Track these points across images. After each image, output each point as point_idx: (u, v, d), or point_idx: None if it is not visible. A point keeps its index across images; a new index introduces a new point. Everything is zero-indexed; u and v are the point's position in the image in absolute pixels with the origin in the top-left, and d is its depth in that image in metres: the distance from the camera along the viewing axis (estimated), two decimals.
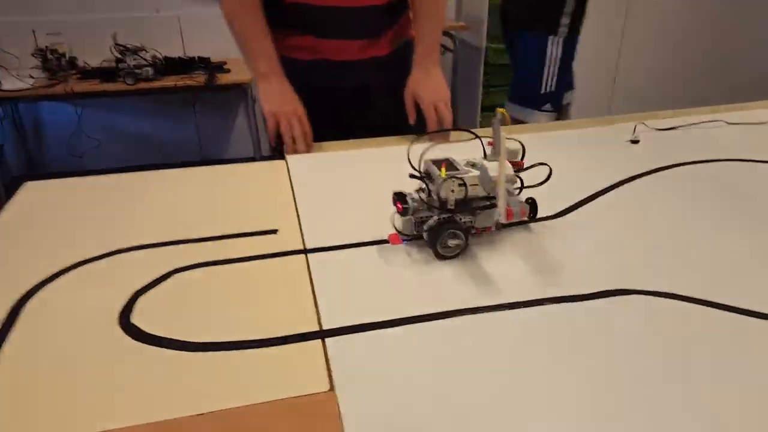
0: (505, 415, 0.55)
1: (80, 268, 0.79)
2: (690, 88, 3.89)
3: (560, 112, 1.97)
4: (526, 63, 1.93)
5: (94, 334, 0.67)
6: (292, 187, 1.04)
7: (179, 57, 2.93)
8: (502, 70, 3.19)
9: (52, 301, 0.73)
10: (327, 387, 0.58)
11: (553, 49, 1.86)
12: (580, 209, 0.94)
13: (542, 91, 1.90)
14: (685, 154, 1.16)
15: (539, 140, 1.23)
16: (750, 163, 1.12)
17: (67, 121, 3.18)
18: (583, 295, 0.72)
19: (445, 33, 3.06)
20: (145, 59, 2.77)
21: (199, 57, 2.95)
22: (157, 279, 0.76)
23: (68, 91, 2.67)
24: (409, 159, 0.80)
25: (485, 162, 0.77)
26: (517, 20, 1.97)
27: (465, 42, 3.29)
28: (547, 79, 1.88)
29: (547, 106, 1.91)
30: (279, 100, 1.23)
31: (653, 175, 1.07)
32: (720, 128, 1.31)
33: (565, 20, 1.83)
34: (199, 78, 2.81)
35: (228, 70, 2.92)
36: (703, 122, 1.33)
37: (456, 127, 1.23)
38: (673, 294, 0.72)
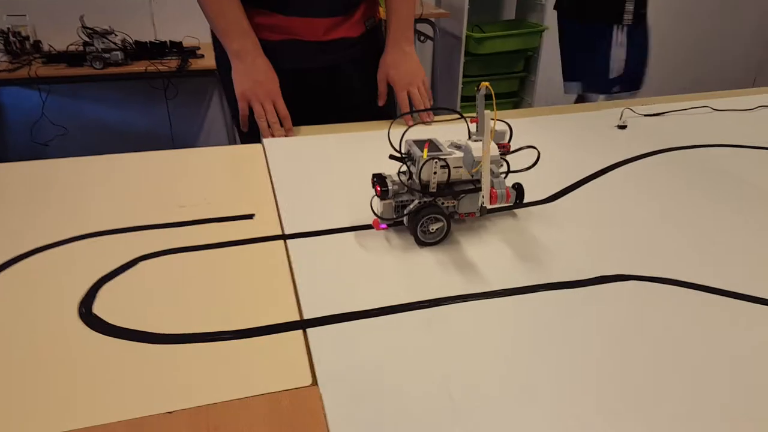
0: (496, 406, 0.52)
1: (38, 255, 0.74)
2: (670, 77, 3.92)
3: (633, 93, 2.00)
4: (592, 51, 1.95)
5: (51, 325, 0.62)
6: (269, 171, 0.99)
7: (150, 41, 2.84)
8: (481, 60, 3.16)
9: (6, 291, 0.67)
10: (309, 381, 0.54)
11: (619, 35, 1.89)
12: (568, 195, 0.91)
13: (611, 76, 1.93)
14: (673, 139, 1.14)
15: (524, 125, 1.20)
16: (738, 148, 1.10)
17: (31, 108, 3.06)
18: (577, 281, 0.69)
19: (426, 20, 3.01)
20: (114, 43, 2.67)
21: (170, 41, 2.85)
22: (121, 266, 0.71)
23: (32, 76, 2.56)
24: (389, 139, 0.76)
25: (469, 142, 0.73)
26: (580, 8, 1.99)
27: (445, 30, 3.25)
28: (615, 64, 1.91)
29: (617, 89, 1.93)
30: (251, 80, 1.16)
31: (642, 160, 1.04)
32: (707, 114, 1.29)
33: (629, 6, 1.85)
34: (170, 63, 2.73)
35: (202, 56, 2.83)
36: (690, 108, 1.31)
37: (439, 106, 1.20)
38: (670, 279, 0.70)
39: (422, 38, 3.15)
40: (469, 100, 3.23)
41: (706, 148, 1.10)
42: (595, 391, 0.53)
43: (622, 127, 1.20)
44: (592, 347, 0.59)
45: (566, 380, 0.55)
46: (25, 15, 2.76)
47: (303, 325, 0.61)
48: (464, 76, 3.18)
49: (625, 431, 0.50)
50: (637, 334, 0.61)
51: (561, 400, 0.52)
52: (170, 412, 0.51)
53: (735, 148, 1.10)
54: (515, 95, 3.42)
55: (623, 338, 0.60)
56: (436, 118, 1.25)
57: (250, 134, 1.20)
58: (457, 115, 0.83)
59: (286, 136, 1.16)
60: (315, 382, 0.54)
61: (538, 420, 0.50)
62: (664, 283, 0.69)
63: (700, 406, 0.52)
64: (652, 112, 1.29)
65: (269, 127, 1.15)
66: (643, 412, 0.51)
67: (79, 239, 0.77)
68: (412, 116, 1.24)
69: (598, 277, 0.70)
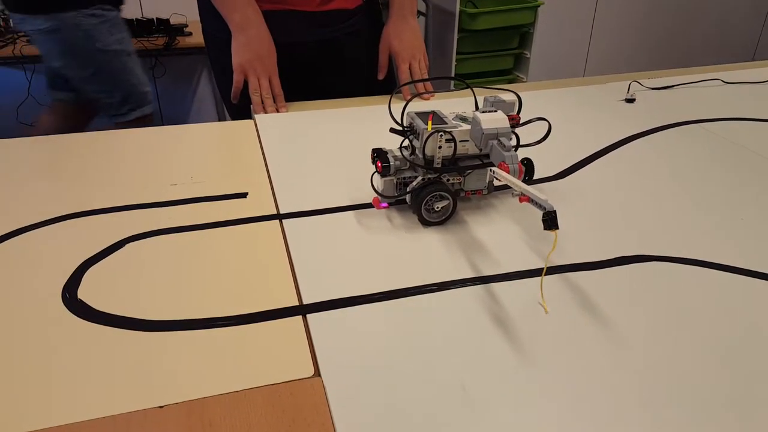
0: (511, 396, 0.48)
1: (19, 236, 0.69)
2: (667, 52, 3.89)
3: None
4: None
5: (33, 311, 0.57)
6: (261, 149, 0.94)
7: (136, 19, 2.77)
8: (475, 36, 3.10)
9: None
10: (311, 372, 0.50)
11: None
12: (579, 171, 0.87)
13: None
14: (685, 113, 1.10)
15: (526, 99, 1.15)
16: (753, 122, 1.07)
17: (17, 87, 2.98)
18: (594, 262, 0.65)
19: None
20: None
21: (157, 19, 2.79)
22: (108, 248, 0.67)
23: (17, 54, 2.50)
24: (390, 111, 0.72)
25: (477, 114, 0.68)
26: None
27: (438, 6, 3.18)
28: None
29: None
30: (252, 52, 1.11)
31: (654, 134, 1.00)
32: (718, 87, 1.25)
33: None
34: (158, 41, 2.67)
35: (189, 33, 2.77)
36: (700, 81, 1.27)
37: (445, 76, 1.17)
38: (692, 259, 0.66)
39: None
40: (462, 77, 3.17)
41: (720, 122, 1.06)
42: (619, 378, 0.50)
43: (630, 100, 1.16)
44: (613, 332, 0.55)
45: (587, 368, 0.51)
46: None
47: (303, 310, 0.57)
48: (458, 53, 3.11)
49: (653, 418, 0.46)
50: (662, 317, 0.57)
51: (582, 390, 0.49)
52: (161, 407, 0.47)
53: (750, 122, 1.07)
54: (509, 72, 3.36)
55: (647, 322, 0.56)
56: (436, 92, 1.21)
57: (241, 110, 1.15)
58: (457, 90, 0.78)
59: (277, 112, 1.12)
60: (317, 372, 0.50)
61: (558, 411, 0.47)
62: (686, 263, 0.65)
63: (729, 389, 0.49)
64: (660, 85, 1.24)
65: (262, 102, 1.11)
66: (669, 397, 0.48)
67: (63, 219, 0.73)
68: (410, 90, 1.20)
69: (616, 258, 0.66)
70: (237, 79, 1.12)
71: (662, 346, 0.53)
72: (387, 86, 1.27)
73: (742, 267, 0.65)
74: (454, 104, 0.78)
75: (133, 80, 1.81)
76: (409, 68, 1.21)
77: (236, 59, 1.12)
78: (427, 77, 1.23)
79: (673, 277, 0.63)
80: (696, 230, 0.72)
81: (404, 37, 1.20)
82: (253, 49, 1.11)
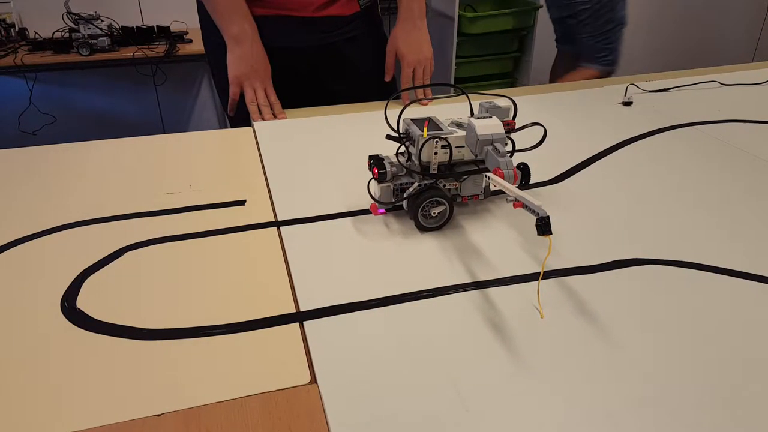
0: (507, 401, 0.48)
1: (18, 247, 0.70)
2: (668, 53, 3.89)
3: None
4: None
5: (32, 321, 0.58)
6: (260, 156, 0.95)
7: (137, 26, 2.79)
8: (474, 40, 3.11)
9: None
10: (308, 379, 0.50)
11: None
12: (576, 175, 0.87)
13: None
14: (682, 115, 1.10)
15: (523, 103, 1.16)
16: (751, 124, 1.07)
17: (18, 97, 3.00)
18: (591, 266, 0.65)
19: None
20: (100, 29, 2.62)
21: (158, 26, 2.80)
22: (107, 257, 0.67)
23: (18, 64, 2.51)
24: (386, 117, 0.72)
25: (473, 120, 0.68)
26: None
27: (436, 10, 3.19)
28: None
29: None
30: (247, 65, 1.13)
31: (651, 137, 1.01)
32: (715, 89, 1.25)
33: None
34: (158, 49, 2.68)
35: (190, 41, 2.79)
36: (697, 83, 1.27)
37: (440, 82, 1.16)
38: (689, 263, 0.66)
39: None
40: (462, 81, 3.18)
41: (718, 124, 1.06)
42: (616, 382, 0.50)
43: (628, 103, 1.16)
44: (609, 336, 0.55)
45: (583, 372, 0.51)
46: (9, 2, 2.70)
47: (299, 317, 0.58)
48: (457, 57, 3.12)
49: (650, 422, 0.46)
50: (659, 320, 0.57)
51: (578, 394, 0.49)
52: (159, 415, 0.47)
53: (747, 124, 1.07)
54: (509, 76, 3.37)
55: (643, 326, 0.57)
56: (435, 97, 1.22)
57: (240, 120, 1.16)
58: (455, 95, 0.78)
59: (275, 118, 1.13)
60: (313, 379, 0.50)
61: (553, 415, 0.47)
62: (683, 267, 0.66)
63: (727, 392, 0.49)
64: (657, 88, 1.25)
65: (259, 111, 1.12)
66: (666, 401, 0.48)
67: (62, 229, 0.73)
68: (410, 95, 1.21)
69: (612, 261, 0.66)
70: (233, 91, 1.14)
71: (659, 350, 0.54)
72: (387, 91, 1.28)
73: (739, 270, 0.65)
74: (449, 110, 0.78)
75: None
76: (413, 73, 1.21)
77: (232, 72, 1.14)
78: (427, 83, 1.24)
79: (669, 280, 0.63)
80: (692, 233, 0.72)
81: (411, 41, 1.20)
82: (248, 62, 1.13)
